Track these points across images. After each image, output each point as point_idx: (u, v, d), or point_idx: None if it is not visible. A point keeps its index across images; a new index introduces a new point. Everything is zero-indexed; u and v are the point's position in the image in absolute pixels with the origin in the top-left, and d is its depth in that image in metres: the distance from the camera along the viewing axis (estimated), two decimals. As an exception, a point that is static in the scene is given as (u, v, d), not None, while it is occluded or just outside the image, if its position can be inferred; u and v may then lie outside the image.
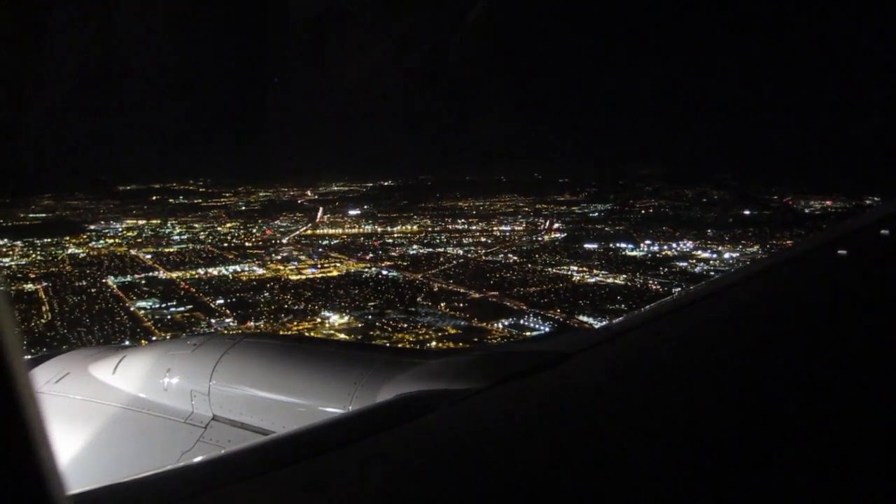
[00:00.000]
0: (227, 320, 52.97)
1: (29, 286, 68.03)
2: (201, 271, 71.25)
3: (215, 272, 70.45)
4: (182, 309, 56.60)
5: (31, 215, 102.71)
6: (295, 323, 51.05)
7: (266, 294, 60.47)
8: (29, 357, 4.91)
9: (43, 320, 56.10)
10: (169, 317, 54.97)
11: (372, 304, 55.57)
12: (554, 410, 2.56)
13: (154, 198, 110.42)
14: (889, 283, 3.92)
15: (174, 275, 70.60)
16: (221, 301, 58.70)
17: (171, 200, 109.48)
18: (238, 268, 71.51)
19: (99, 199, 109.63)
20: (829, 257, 4.53)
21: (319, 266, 69.73)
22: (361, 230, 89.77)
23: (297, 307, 55.51)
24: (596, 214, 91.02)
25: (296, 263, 72.28)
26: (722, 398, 2.50)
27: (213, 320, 53.00)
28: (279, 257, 75.62)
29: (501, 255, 71.69)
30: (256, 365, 3.72)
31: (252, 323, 51.46)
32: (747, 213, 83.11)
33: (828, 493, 1.83)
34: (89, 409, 4.12)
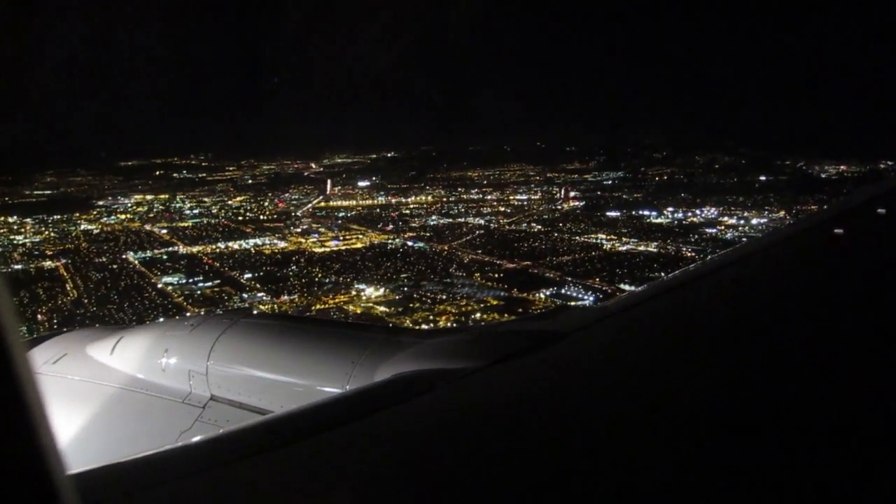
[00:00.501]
0: (260, 295, 51.34)
1: (48, 263, 66.29)
2: (221, 245, 69.52)
3: (236, 246, 68.75)
4: (210, 284, 54.94)
5: (35, 192, 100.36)
6: (330, 297, 49.52)
7: (293, 268, 58.82)
8: (27, 338, 4.86)
9: (69, 297, 54.34)
10: (199, 292, 53.30)
11: (404, 275, 54.06)
12: (551, 389, 2.52)
13: (157, 173, 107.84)
14: (885, 262, 3.86)
15: (194, 249, 68.87)
16: (249, 275, 57.07)
17: (175, 175, 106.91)
18: (258, 241, 69.80)
19: (102, 175, 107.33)
20: (826, 236, 4.49)
21: (342, 238, 68.02)
22: (375, 201, 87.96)
23: (327, 280, 53.91)
24: (609, 182, 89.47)
25: (316, 236, 70.58)
26: (718, 376, 2.46)
27: (245, 295, 51.35)
28: (298, 230, 73.89)
29: (524, 224, 70.21)
30: (254, 345, 3.64)
31: (286, 297, 49.87)
32: (763, 178, 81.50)
33: (823, 466, 1.83)
34: (87, 389, 4.04)
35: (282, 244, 68.22)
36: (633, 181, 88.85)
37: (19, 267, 66.04)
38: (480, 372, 2.60)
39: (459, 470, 1.90)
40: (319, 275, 55.56)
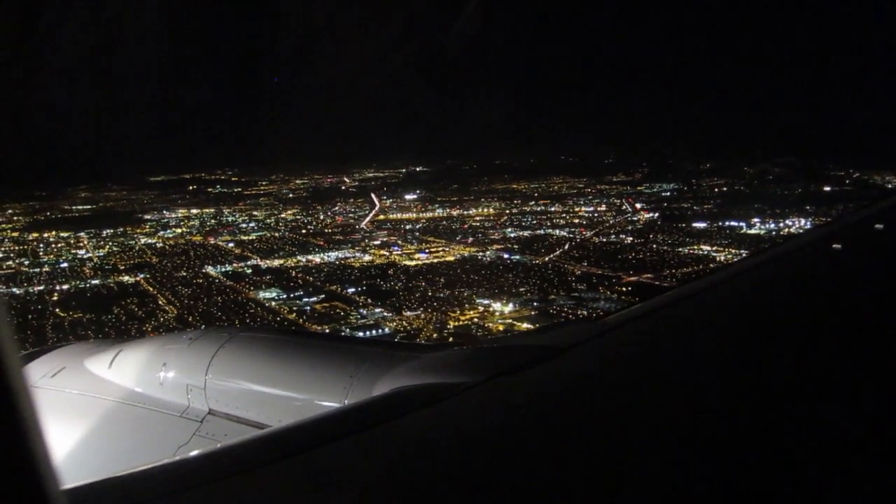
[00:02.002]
0: (378, 310, 46.66)
1: (126, 278, 61.50)
2: (301, 259, 65.01)
3: (317, 259, 64.28)
4: (315, 300, 50.20)
5: (75, 207, 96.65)
6: (456, 312, 44.95)
7: (395, 282, 54.23)
8: (24, 352, 4.70)
9: (169, 314, 49.48)
10: (307, 308, 48.53)
11: (522, 289, 49.54)
12: (550, 404, 2.46)
13: (191, 187, 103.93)
14: (882, 277, 3.78)
15: (274, 263, 64.34)
16: (353, 289, 52.42)
17: (209, 190, 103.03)
18: (338, 254, 65.36)
19: (135, 190, 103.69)
20: (825, 252, 4.42)
21: (428, 251, 63.47)
22: (434, 214, 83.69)
23: (441, 295, 49.31)
24: (668, 194, 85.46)
25: (397, 249, 66.16)
26: (718, 391, 2.41)
27: (362, 311, 46.66)
28: (376, 243, 69.34)
29: (613, 236, 65.96)
30: (252, 359, 3.51)
31: (409, 313, 45.26)
32: (828, 189, 77.86)
33: (825, 481, 1.78)
34: (85, 403, 3.88)
35: (367, 257, 63.71)
36: (691, 193, 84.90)
37: (97, 282, 61.32)
38: (479, 386, 2.50)
39: (458, 484, 1.83)
40: (429, 289, 50.94)
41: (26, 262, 69.75)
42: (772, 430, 2.06)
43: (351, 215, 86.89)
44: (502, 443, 2.09)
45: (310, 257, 65.30)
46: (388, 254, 64.42)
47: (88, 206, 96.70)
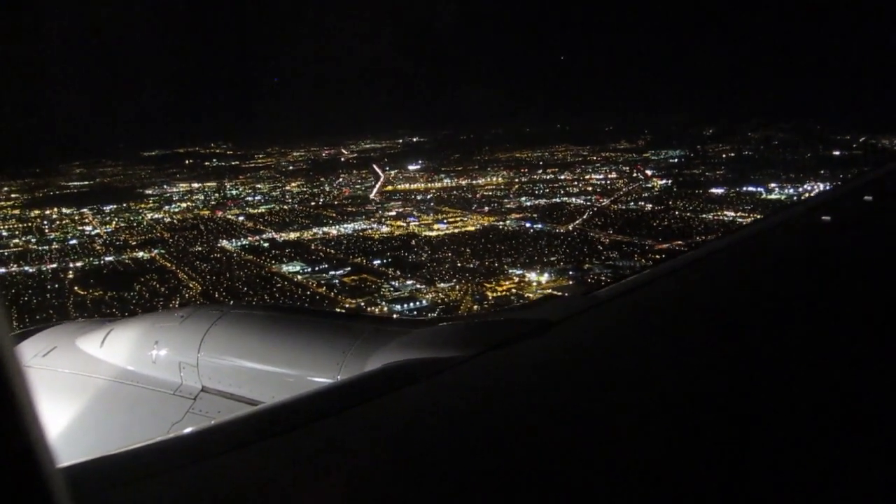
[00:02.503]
0: (409, 282, 45.20)
1: (141, 254, 59.50)
2: (316, 231, 63.30)
3: (333, 231, 62.55)
4: (341, 272, 48.65)
5: (72, 183, 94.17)
6: (492, 283, 43.59)
7: (420, 253, 52.72)
8: (16, 331, 4.59)
9: (193, 290, 47.73)
10: (335, 282, 46.98)
11: (553, 258, 48.22)
12: (541, 378, 2.43)
13: (187, 161, 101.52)
14: (871, 249, 3.73)
15: (290, 236, 62.52)
16: (378, 262, 50.84)
17: (206, 163, 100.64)
18: (354, 226, 63.66)
19: (130, 165, 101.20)
20: (814, 224, 4.37)
21: (446, 222, 61.88)
22: (443, 184, 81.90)
23: (471, 265, 47.90)
24: (675, 160, 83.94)
25: (414, 220, 64.49)
26: (707, 365, 2.38)
27: (394, 283, 45.17)
28: (391, 214, 67.65)
29: (632, 203, 64.58)
30: (245, 336, 3.44)
31: (443, 284, 43.84)
32: (837, 153, 76.79)
33: (815, 456, 1.76)
34: (77, 382, 3.82)
35: (384, 228, 62.06)
36: (699, 159, 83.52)
37: (111, 259, 59.30)
38: (470, 361, 2.48)
39: (450, 459, 1.83)
40: (458, 260, 49.50)
41: (33, 240, 67.62)
42: (763, 403, 2.03)
43: (357, 186, 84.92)
44: (493, 417, 2.08)
45: (325, 230, 63.58)
46: (405, 225, 62.84)
47: (86, 182, 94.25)
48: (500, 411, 2.12)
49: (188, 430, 2.56)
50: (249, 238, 62.83)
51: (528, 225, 58.77)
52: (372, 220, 65.63)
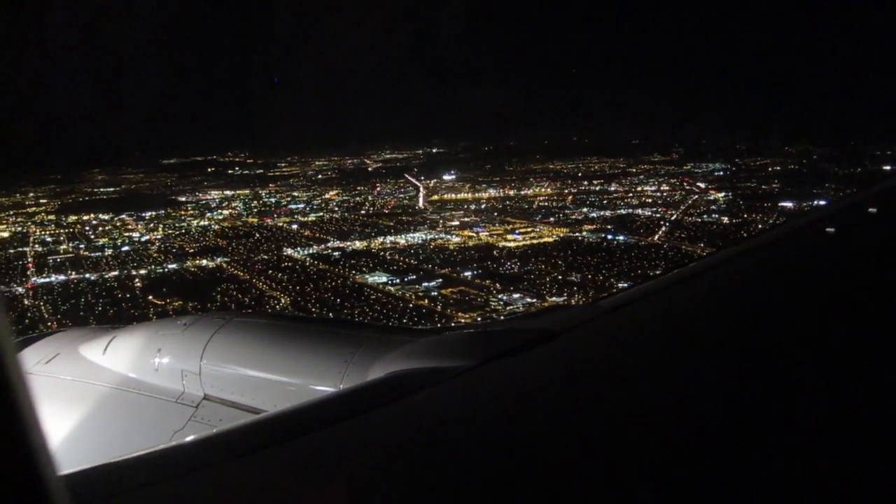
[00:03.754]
0: (516, 295, 41.52)
1: (205, 262, 55.44)
2: (382, 240, 59.63)
3: (401, 241, 58.89)
4: (434, 284, 44.87)
5: (98, 190, 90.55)
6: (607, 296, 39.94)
7: (510, 264, 49.14)
8: (19, 338, 4.51)
9: (280, 302, 43.75)
10: (435, 293, 43.19)
11: (658, 272, 44.67)
12: (544, 388, 2.40)
13: (209, 169, 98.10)
14: (875, 260, 3.64)
15: (356, 245, 58.72)
16: (469, 273, 47.13)
17: (229, 172, 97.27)
18: (420, 235, 60.04)
19: (152, 173, 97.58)
20: (818, 235, 4.25)
21: (517, 232, 58.36)
22: (489, 194, 78.66)
23: (572, 278, 44.35)
24: (720, 173, 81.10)
25: (481, 229, 60.87)
26: (711, 375, 2.33)
27: (503, 297, 41.47)
28: (453, 224, 64.11)
29: (705, 216, 61.36)
30: (248, 344, 3.36)
31: (555, 298, 40.24)
32: (887, 167, 74.30)
33: (819, 464, 1.73)
34: (80, 389, 3.71)
35: (454, 238, 58.42)
36: (745, 172, 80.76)
37: (174, 266, 55.17)
38: (473, 370, 2.42)
39: (452, 468, 1.79)
40: (556, 273, 45.91)
41: (82, 246, 63.45)
42: (768, 413, 1.99)
43: (401, 195, 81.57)
44: (497, 426, 2.02)
45: (391, 238, 59.90)
46: (474, 234, 59.22)
47: (112, 189, 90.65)
48: (503, 421, 2.07)
49: (190, 438, 2.45)
50: (315, 247, 58.95)
51: (609, 237, 55.18)
52: (437, 229, 61.91)
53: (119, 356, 3.72)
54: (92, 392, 3.65)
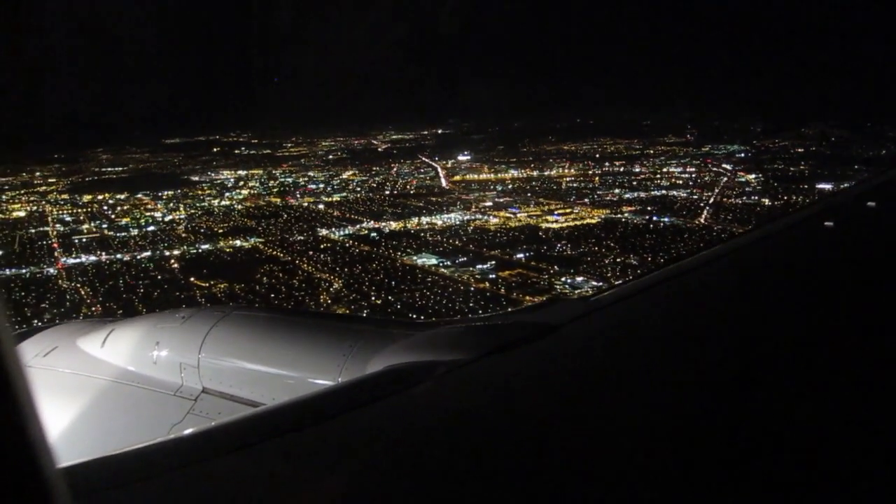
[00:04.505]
0: (580, 279, 39.48)
1: (238, 242, 52.94)
2: (418, 220, 57.39)
3: (438, 221, 56.71)
4: (488, 266, 42.76)
5: (107, 169, 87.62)
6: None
7: (561, 246, 47.09)
8: (17, 330, 4.45)
9: (332, 286, 41.45)
10: (492, 275, 41.09)
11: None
12: (543, 381, 2.37)
13: (214, 149, 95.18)
14: (874, 254, 3.65)
15: (392, 225, 56.44)
16: (521, 255, 45.06)
17: (235, 151, 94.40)
18: (455, 216, 57.86)
19: (157, 152, 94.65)
20: (817, 229, 4.27)
21: (555, 213, 56.29)
22: (512, 175, 76.51)
23: (631, 261, 42.36)
24: (742, 155, 79.21)
25: (516, 210, 58.75)
26: (711, 368, 2.32)
27: (567, 280, 39.40)
28: (486, 204, 61.93)
29: (745, 197, 59.51)
30: (246, 337, 3.32)
31: (620, 281, 38.14)
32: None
33: (818, 460, 1.71)
34: (78, 382, 3.65)
35: (493, 220, 56.29)
36: (768, 154, 78.94)
37: (207, 247, 52.63)
38: (472, 364, 2.40)
39: (451, 461, 1.78)
40: (611, 254, 43.91)
41: (105, 226, 60.68)
42: (766, 407, 1.97)
43: (421, 175, 79.21)
44: (495, 420, 1.99)
45: (426, 219, 57.60)
46: (511, 215, 57.10)
47: (120, 169, 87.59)
48: (502, 414, 2.04)
49: (188, 431, 2.42)
50: (349, 227, 56.57)
51: (654, 218, 53.23)
52: (471, 210, 59.72)
53: (117, 349, 3.64)
54: (90, 385, 3.56)
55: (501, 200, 63.17)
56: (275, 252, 49.38)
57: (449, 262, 44.22)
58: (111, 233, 58.53)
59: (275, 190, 74.73)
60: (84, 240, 56.21)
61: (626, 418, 1.94)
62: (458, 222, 55.95)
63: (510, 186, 71.00)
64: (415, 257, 46.12)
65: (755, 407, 1.96)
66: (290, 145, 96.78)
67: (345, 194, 71.52)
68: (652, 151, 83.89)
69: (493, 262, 43.44)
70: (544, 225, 53.00)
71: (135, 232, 58.64)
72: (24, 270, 47.08)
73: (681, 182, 68.18)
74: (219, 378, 3.19)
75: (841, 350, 2.36)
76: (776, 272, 3.55)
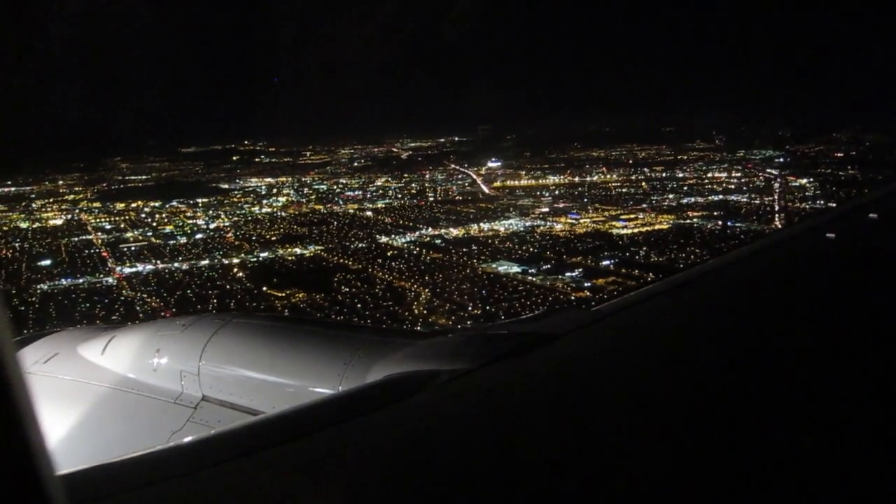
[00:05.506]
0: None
1: (298, 251, 50.02)
2: (478, 227, 54.83)
3: (500, 228, 54.07)
4: (576, 274, 40.03)
5: (130, 177, 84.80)
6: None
7: (644, 253, 44.31)
8: (17, 337, 4.21)
9: (421, 296, 38.49)
10: (587, 284, 38.31)
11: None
12: (543, 391, 2.33)
13: (234, 158, 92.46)
14: (876, 266, 3.60)
15: (453, 232, 53.63)
16: (606, 262, 42.25)
17: (256, 160, 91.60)
18: (515, 222, 55.30)
19: (176, 161, 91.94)
20: (819, 240, 4.19)
21: (619, 219, 53.70)
22: (554, 180, 74.08)
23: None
24: (781, 160, 76.76)
25: (576, 216, 56.17)
26: (712, 378, 2.30)
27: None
28: (543, 210, 59.37)
29: (809, 203, 57.05)
30: (247, 345, 3.25)
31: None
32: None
33: (819, 467, 1.70)
34: (78, 389, 3.61)
35: (557, 226, 53.72)
36: (807, 159, 76.55)
37: (267, 254, 49.66)
38: (472, 373, 2.36)
39: (451, 471, 1.75)
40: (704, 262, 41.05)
41: (149, 234, 57.64)
42: (767, 417, 1.95)
43: (459, 182, 76.60)
44: (495, 430, 1.97)
45: (485, 225, 54.89)
46: (574, 221, 54.46)
47: (144, 177, 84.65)
48: (502, 424, 2.02)
49: (188, 438, 2.41)
50: (407, 234, 53.69)
51: (729, 223, 50.61)
52: (529, 216, 57.06)
53: (118, 356, 3.60)
54: (90, 392, 3.52)
55: (557, 206, 60.50)
56: (342, 260, 46.42)
57: (534, 270, 41.42)
58: (158, 241, 55.53)
59: (312, 197, 71.99)
60: (133, 248, 53.14)
61: (626, 429, 1.90)
62: (521, 228, 53.22)
63: (557, 192, 68.44)
64: (494, 265, 43.30)
65: (758, 418, 1.92)
66: (308, 153, 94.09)
67: (387, 201, 68.84)
68: (685, 157, 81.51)
69: (581, 270, 40.66)
70: (615, 231, 50.31)
71: (183, 240, 55.63)
72: (80, 280, 43.97)
73: (733, 187, 65.74)
74: (219, 386, 3.12)
75: (844, 362, 2.32)
76: (777, 284, 3.47)
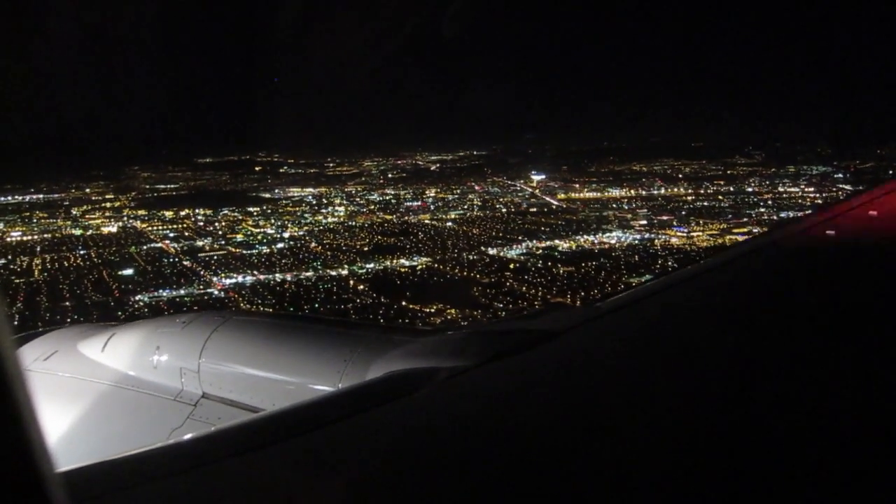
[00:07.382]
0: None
1: (405, 261, 44.38)
2: (583, 239, 49.91)
3: (612, 240, 49.06)
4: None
5: (159, 186, 79.10)
6: None
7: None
8: (18, 334, 4.10)
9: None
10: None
11: None
12: (543, 388, 2.28)
13: (257, 168, 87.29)
14: (875, 263, 3.51)
15: (558, 244, 48.71)
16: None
17: (280, 171, 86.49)
18: (624, 235, 50.48)
19: (197, 171, 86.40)
20: (820, 238, 4.08)
21: (734, 233, 49.20)
22: (617, 194, 69.52)
23: None
24: (840, 176, 73.24)
25: (683, 230, 51.75)
26: (711, 376, 2.25)
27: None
28: (641, 223, 54.96)
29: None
30: (246, 342, 3.22)
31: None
32: None
33: (817, 466, 1.66)
34: (78, 386, 3.53)
35: (673, 240, 49.44)
36: (867, 175, 73.08)
37: (373, 266, 43.93)
38: (472, 371, 2.33)
39: (451, 468, 1.71)
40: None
41: (222, 243, 51.81)
42: (766, 413, 1.92)
43: (518, 194, 71.75)
44: (496, 426, 1.93)
45: (589, 237, 50.08)
46: (683, 235, 49.84)
47: (173, 186, 78.85)
48: (503, 421, 1.97)
49: (188, 436, 2.36)
50: (514, 246, 48.48)
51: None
52: (632, 229, 52.39)
53: (118, 354, 3.53)
54: (90, 389, 3.46)
55: (652, 219, 55.86)
56: (464, 272, 40.95)
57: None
58: (238, 250, 49.56)
59: (372, 207, 66.58)
60: (215, 257, 47.06)
61: (625, 426, 1.86)
62: (634, 241, 48.42)
63: (633, 205, 63.96)
64: (638, 279, 38.23)
65: (757, 416, 1.88)
66: (332, 165, 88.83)
67: (460, 212, 63.66)
68: (733, 172, 77.71)
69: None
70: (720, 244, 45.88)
71: (265, 249, 49.71)
72: (182, 291, 37.87)
73: (805, 203, 61.96)
74: (219, 383, 3.08)
75: (844, 361, 2.26)
76: (778, 281, 3.36)
